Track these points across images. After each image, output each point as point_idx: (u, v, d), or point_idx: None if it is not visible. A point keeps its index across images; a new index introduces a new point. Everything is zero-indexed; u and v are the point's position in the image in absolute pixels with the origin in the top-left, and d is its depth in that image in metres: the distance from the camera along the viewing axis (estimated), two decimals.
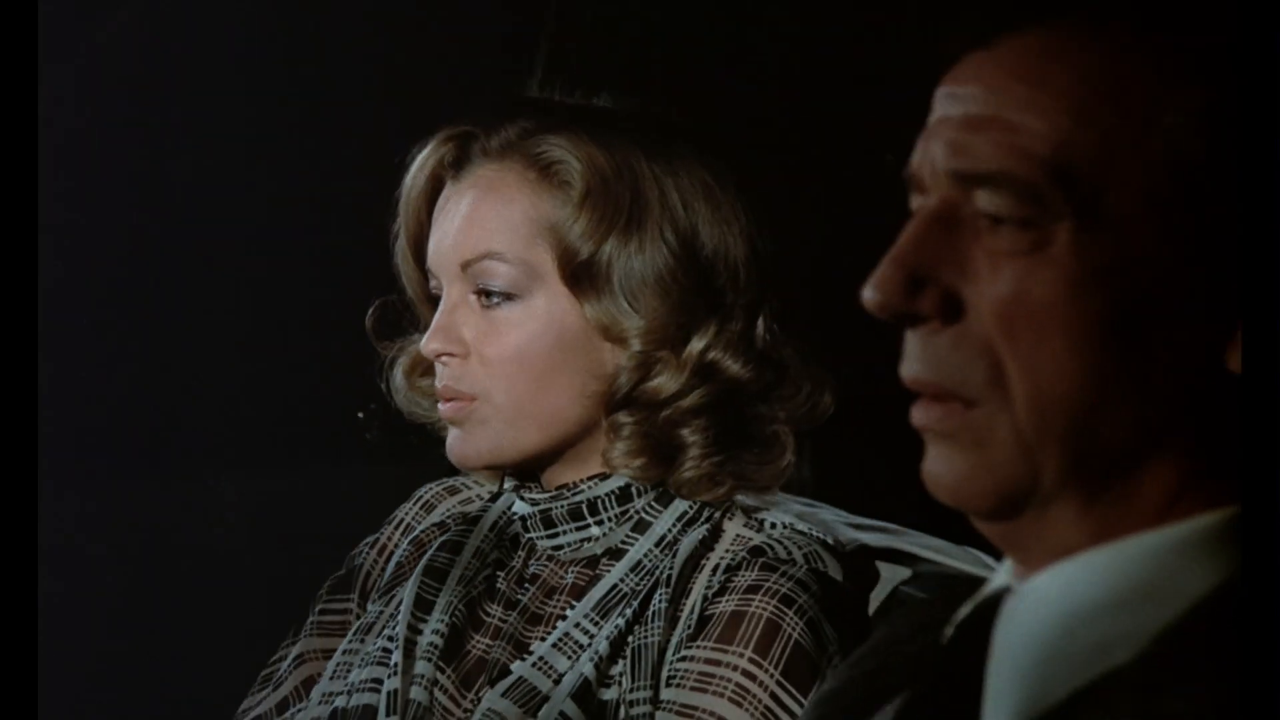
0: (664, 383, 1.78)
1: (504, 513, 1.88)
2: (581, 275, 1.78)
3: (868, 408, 2.01)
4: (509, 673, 1.77)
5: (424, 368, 1.88)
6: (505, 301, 1.78)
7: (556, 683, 1.76)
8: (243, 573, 2.73)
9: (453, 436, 1.81)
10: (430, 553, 1.87)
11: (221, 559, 2.74)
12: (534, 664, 1.77)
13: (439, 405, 1.82)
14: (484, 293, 1.79)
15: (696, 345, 1.79)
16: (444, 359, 1.80)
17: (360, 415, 2.32)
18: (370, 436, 2.47)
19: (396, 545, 1.95)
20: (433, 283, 1.83)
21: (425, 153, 1.84)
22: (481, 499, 1.95)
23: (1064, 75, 1.12)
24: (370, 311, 1.92)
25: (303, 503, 2.78)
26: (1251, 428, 1.09)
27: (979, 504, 1.14)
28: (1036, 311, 1.10)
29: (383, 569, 1.94)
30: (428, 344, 1.80)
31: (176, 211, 2.74)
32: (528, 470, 1.85)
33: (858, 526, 1.93)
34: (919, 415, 1.15)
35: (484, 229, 1.79)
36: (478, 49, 2.79)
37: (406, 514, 1.98)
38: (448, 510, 1.96)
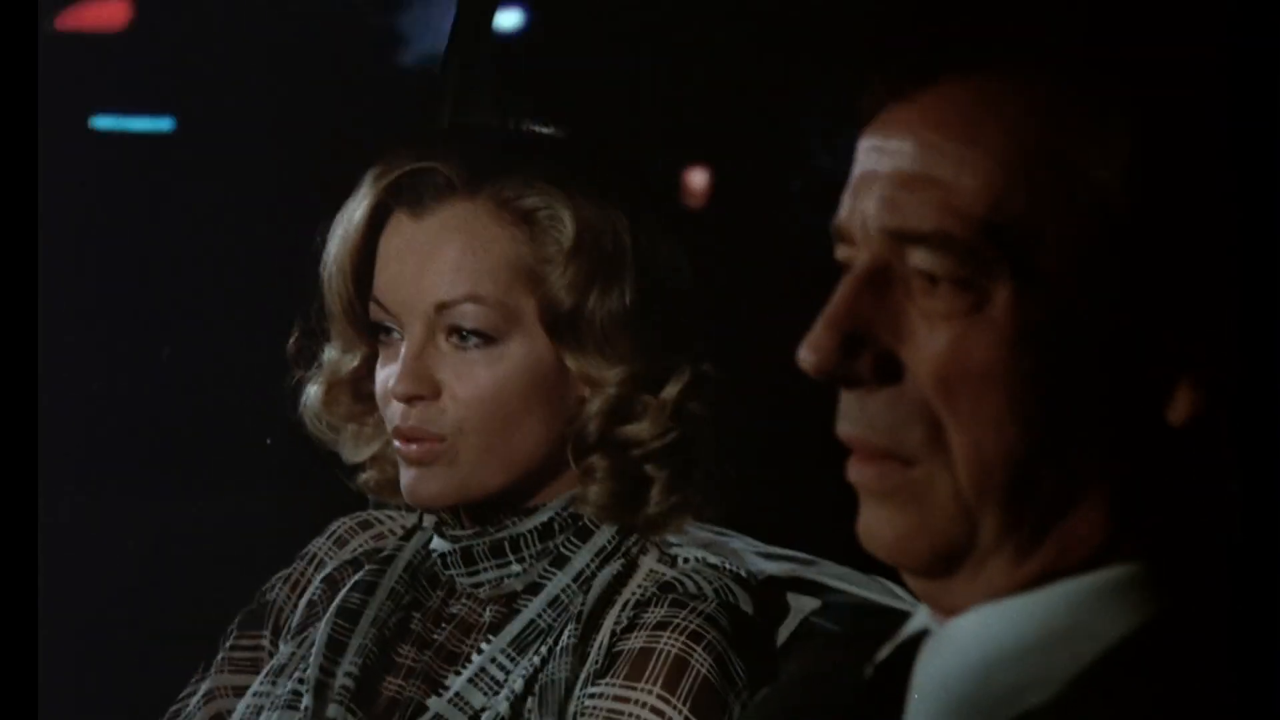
0: (644, 427, 1.79)
1: (418, 552, 1.88)
2: (563, 325, 1.78)
3: (778, 436, 2.03)
4: (425, 710, 1.77)
5: (343, 388, 1.87)
6: (482, 344, 1.78)
7: (470, 718, 1.76)
8: (151, 604, 2.71)
9: (412, 476, 1.79)
10: (343, 593, 1.86)
11: (128, 590, 2.71)
12: (450, 700, 1.77)
13: (396, 444, 1.80)
14: (458, 333, 1.78)
15: (673, 389, 1.80)
16: (413, 401, 1.78)
17: (269, 442, 2.30)
18: (278, 464, 2.46)
19: (309, 581, 1.94)
20: (375, 314, 1.82)
21: (377, 182, 1.82)
22: (394, 534, 1.95)
23: (994, 130, 1.11)
24: (292, 340, 1.90)
25: (210, 533, 2.76)
26: (1251, 423, 1.11)
27: (915, 562, 1.14)
28: (975, 373, 1.10)
29: (295, 605, 1.93)
30: (397, 386, 1.78)
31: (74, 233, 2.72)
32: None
33: (767, 555, 1.94)
34: (855, 473, 1.14)
35: (462, 271, 1.77)
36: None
37: (319, 548, 1.97)
38: (360, 545, 1.95)
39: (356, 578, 1.87)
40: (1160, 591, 1.12)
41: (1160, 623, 1.12)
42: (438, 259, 1.78)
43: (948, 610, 1.16)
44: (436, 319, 1.78)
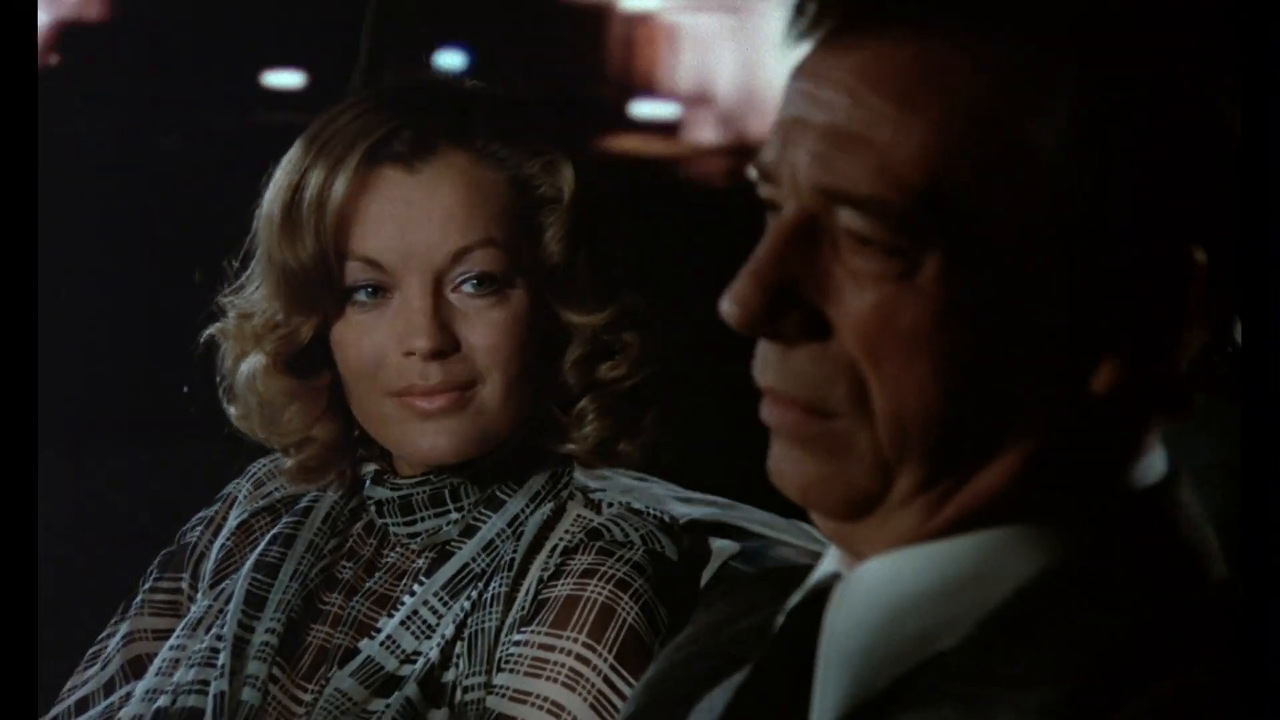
0: (622, 368, 1.82)
1: (336, 502, 1.87)
2: (558, 278, 1.79)
3: (695, 380, 2.04)
4: (357, 653, 1.77)
5: (286, 358, 1.82)
6: (493, 290, 1.76)
7: (402, 661, 1.75)
8: (73, 554, 2.71)
9: (429, 431, 1.76)
10: (261, 546, 1.85)
11: (51, 539, 2.71)
12: (381, 642, 1.77)
13: (416, 401, 1.76)
14: (471, 281, 1.76)
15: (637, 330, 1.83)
16: (436, 356, 1.75)
17: (185, 390, 2.29)
18: (195, 411, 2.45)
19: (226, 522, 1.93)
20: (358, 273, 1.77)
21: (369, 136, 1.77)
22: None
23: (934, 97, 1.08)
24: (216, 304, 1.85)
25: (129, 482, 2.75)
26: (1251, 426, 1.11)
27: (826, 507, 1.14)
28: (902, 337, 1.08)
29: (212, 547, 1.92)
30: (421, 342, 1.75)
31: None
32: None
33: (687, 500, 1.95)
34: (770, 416, 1.14)
35: (475, 217, 1.76)
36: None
37: (237, 489, 1.96)
38: (277, 489, 1.94)
39: (275, 530, 1.86)
40: (1068, 539, 1.13)
41: (1067, 564, 1.13)
42: (445, 207, 1.76)
43: (855, 553, 1.16)
44: (449, 268, 1.76)
